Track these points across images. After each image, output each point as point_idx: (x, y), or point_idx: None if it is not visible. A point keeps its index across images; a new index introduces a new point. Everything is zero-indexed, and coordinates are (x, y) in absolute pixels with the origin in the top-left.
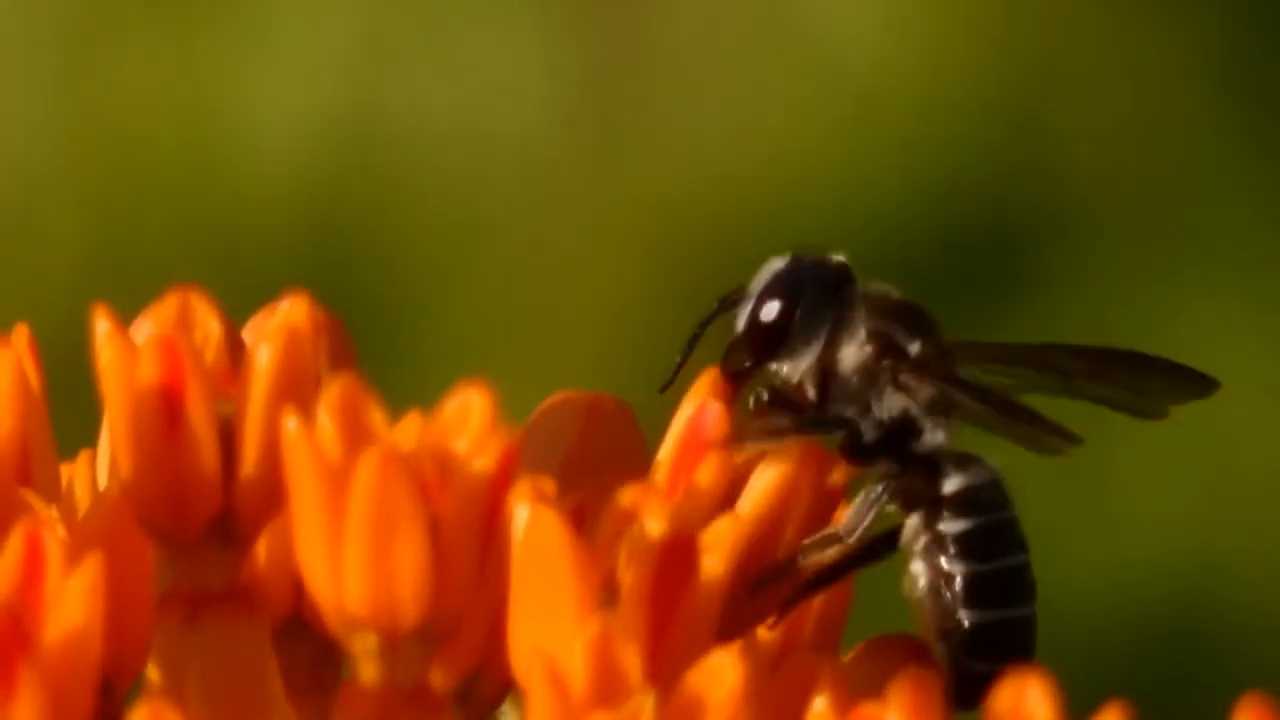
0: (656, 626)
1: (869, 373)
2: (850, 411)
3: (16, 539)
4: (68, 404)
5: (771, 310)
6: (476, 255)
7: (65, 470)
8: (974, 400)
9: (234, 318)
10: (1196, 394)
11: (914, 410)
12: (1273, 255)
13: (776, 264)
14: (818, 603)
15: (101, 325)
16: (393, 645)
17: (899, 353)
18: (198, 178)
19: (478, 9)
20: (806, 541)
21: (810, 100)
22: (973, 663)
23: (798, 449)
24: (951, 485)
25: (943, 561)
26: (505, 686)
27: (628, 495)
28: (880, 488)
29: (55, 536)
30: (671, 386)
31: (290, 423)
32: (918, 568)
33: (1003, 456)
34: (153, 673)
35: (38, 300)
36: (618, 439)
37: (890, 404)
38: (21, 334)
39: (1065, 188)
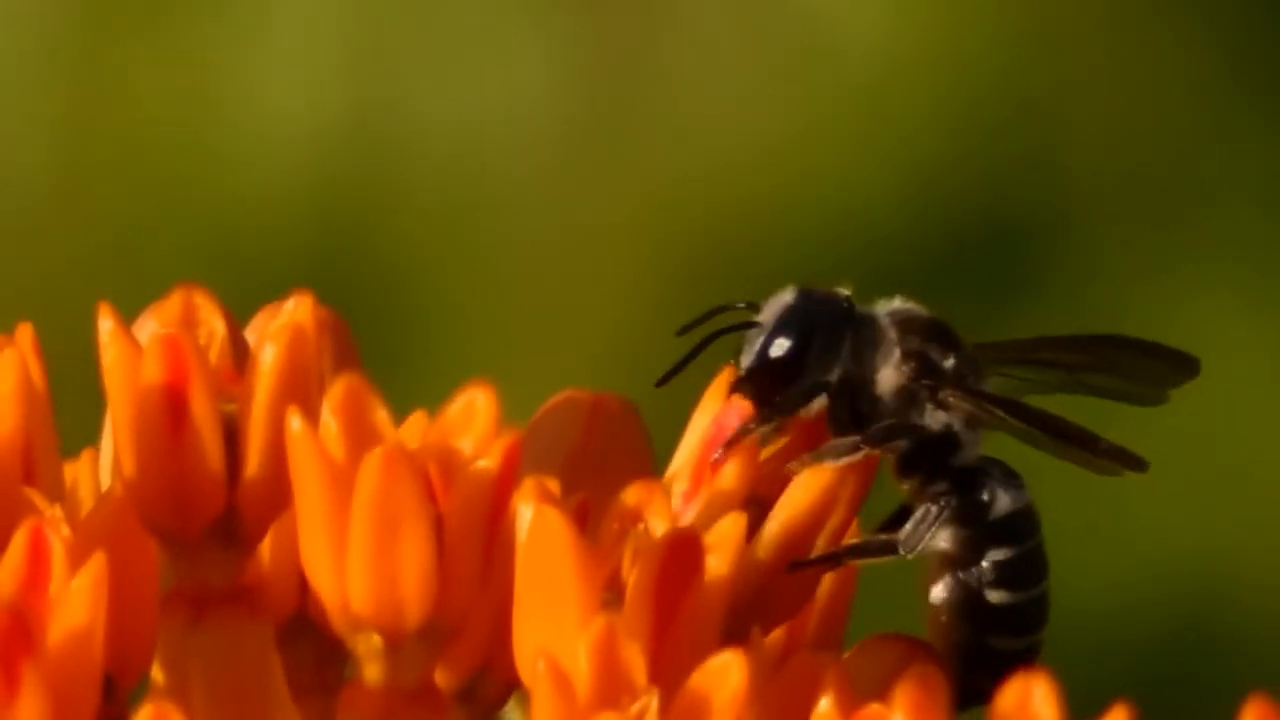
0: (660, 626)
1: (908, 392)
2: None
3: (20, 538)
4: (69, 404)
5: (783, 347)
6: (480, 254)
7: (69, 469)
8: (1023, 423)
9: (236, 317)
10: (1186, 375)
11: (956, 426)
12: (1276, 254)
13: (785, 298)
14: (821, 601)
15: (105, 324)
16: (397, 645)
17: (937, 371)
18: (200, 177)
19: (481, 8)
20: (858, 543)
21: (814, 99)
22: (983, 680)
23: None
24: (1000, 509)
25: (979, 584)
26: (509, 686)
27: (632, 494)
28: (939, 506)
29: (59, 536)
30: (679, 387)
31: (294, 422)
32: (949, 583)
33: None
34: (157, 673)
35: (39, 300)
36: (622, 438)
37: (933, 420)
38: (26, 333)
39: (1067, 184)
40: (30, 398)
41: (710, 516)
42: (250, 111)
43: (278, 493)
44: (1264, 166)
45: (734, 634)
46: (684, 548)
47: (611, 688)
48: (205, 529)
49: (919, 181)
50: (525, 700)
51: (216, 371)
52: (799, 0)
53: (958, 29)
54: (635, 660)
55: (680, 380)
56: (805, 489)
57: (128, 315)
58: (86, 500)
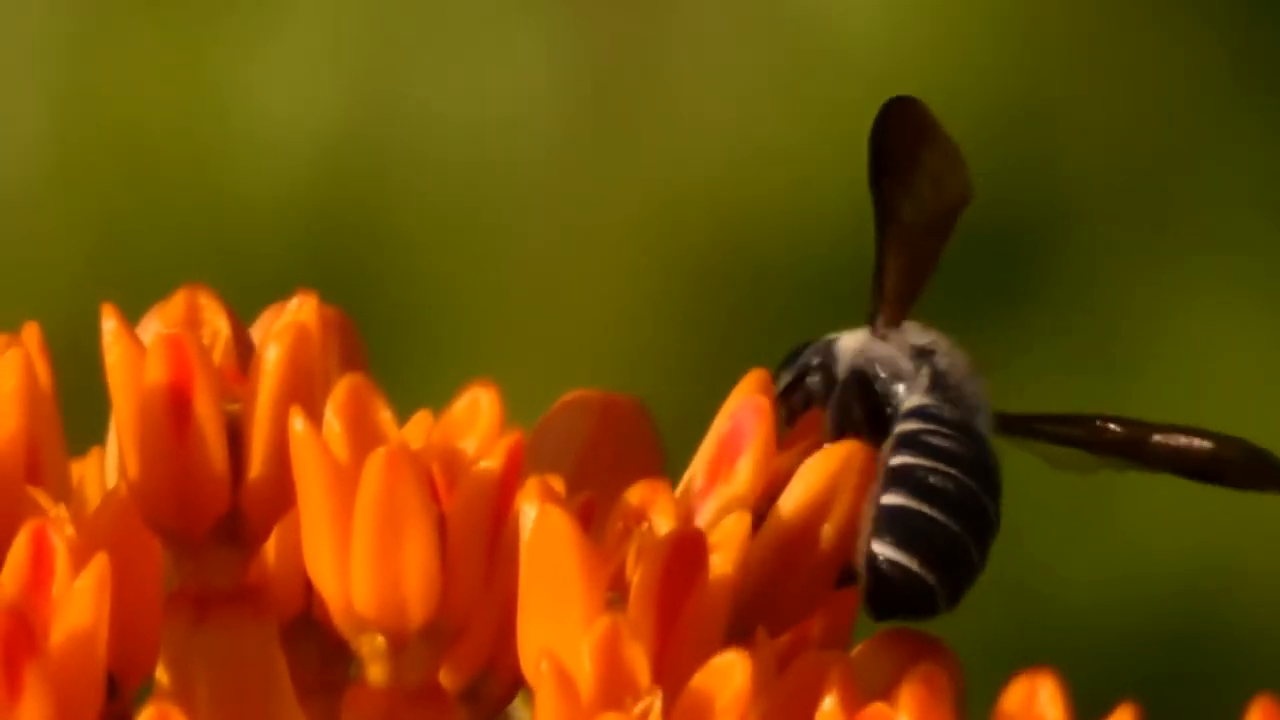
0: (664, 626)
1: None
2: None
3: (23, 539)
4: (70, 404)
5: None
6: (481, 254)
7: (76, 468)
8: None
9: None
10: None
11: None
12: (1276, 256)
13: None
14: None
15: (109, 324)
16: (400, 645)
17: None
18: (201, 176)
19: (483, 8)
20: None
21: (815, 101)
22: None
23: (843, 450)
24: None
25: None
26: (513, 686)
27: (636, 494)
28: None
29: (62, 536)
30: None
31: (297, 422)
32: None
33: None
34: (160, 673)
35: (40, 300)
36: (632, 438)
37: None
38: (32, 332)
39: (1067, 187)
40: (35, 397)
41: (722, 514)
42: (252, 111)
43: (282, 493)
44: (1264, 168)
45: (739, 634)
46: (688, 547)
47: (615, 687)
48: (209, 529)
49: None
50: (529, 700)
51: (220, 371)
52: (800, 3)
53: (958, 30)
54: (639, 660)
55: (689, 382)
56: (806, 482)
57: (128, 316)
58: (93, 499)
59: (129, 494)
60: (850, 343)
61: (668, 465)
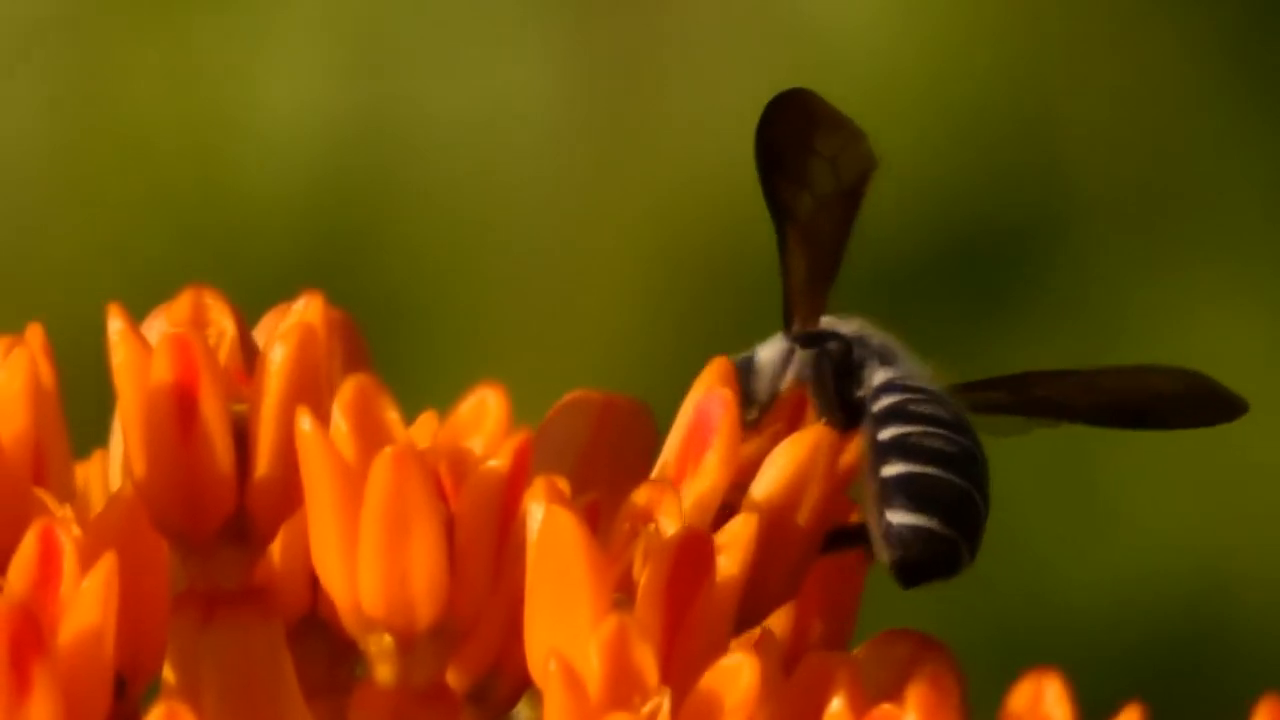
0: (672, 626)
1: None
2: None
3: (31, 538)
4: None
5: None
6: (486, 254)
7: (80, 470)
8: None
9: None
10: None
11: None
12: (1276, 257)
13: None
14: (827, 594)
15: (115, 324)
16: (408, 645)
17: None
18: (202, 177)
19: (483, 8)
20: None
21: None
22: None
23: (811, 435)
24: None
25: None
26: (521, 686)
27: (642, 494)
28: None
29: (70, 535)
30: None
31: (304, 422)
32: None
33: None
34: (168, 673)
35: (41, 300)
36: (633, 438)
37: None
38: (36, 333)
39: (1067, 189)
40: (40, 398)
41: (695, 507)
42: (253, 111)
43: (288, 493)
44: (1264, 169)
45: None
46: (696, 548)
47: (623, 688)
48: (216, 529)
49: (918, 185)
50: (537, 700)
51: (226, 372)
52: (799, 5)
53: (956, 32)
54: (647, 660)
55: (689, 381)
56: (778, 467)
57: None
58: (97, 501)
59: (135, 494)
60: (769, 354)
61: None
